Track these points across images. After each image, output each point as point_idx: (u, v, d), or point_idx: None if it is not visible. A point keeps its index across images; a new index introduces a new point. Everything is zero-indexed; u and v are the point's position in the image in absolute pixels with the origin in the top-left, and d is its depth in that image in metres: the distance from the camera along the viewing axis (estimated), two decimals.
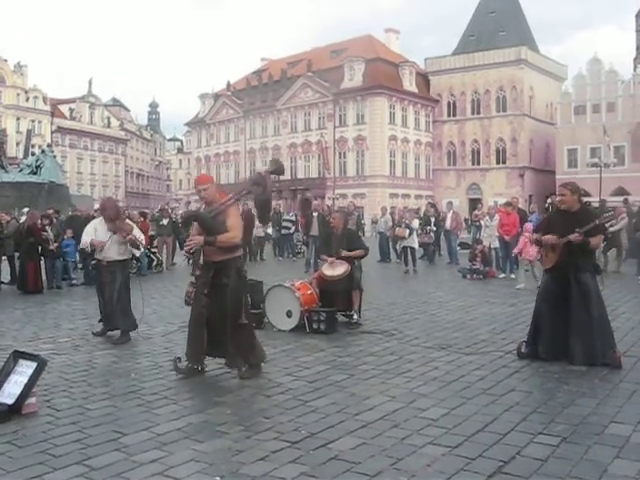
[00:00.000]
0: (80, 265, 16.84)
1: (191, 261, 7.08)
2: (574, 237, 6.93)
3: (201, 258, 6.64)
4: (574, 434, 4.78)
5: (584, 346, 6.91)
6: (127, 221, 9.24)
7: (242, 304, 6.70)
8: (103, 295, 8.99)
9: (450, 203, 25.75)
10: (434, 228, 21.31)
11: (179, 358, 6.75)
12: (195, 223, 6.79)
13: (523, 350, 7.37)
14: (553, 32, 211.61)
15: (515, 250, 15.13)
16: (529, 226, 15.55)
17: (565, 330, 7.05)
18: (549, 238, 7.20)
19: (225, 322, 6.53)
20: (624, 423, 5.02)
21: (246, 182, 7.31)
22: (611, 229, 17.14)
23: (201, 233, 6.54)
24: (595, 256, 7.93)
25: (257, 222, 24.42)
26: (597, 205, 22.41)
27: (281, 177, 55.05)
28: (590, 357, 6.87)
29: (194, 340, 6.69)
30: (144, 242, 9.26)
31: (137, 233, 8.99)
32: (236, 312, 6.58)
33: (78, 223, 16.14)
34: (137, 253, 8.99)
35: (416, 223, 19.88)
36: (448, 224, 22.04)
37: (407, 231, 18.70)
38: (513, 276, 16.35)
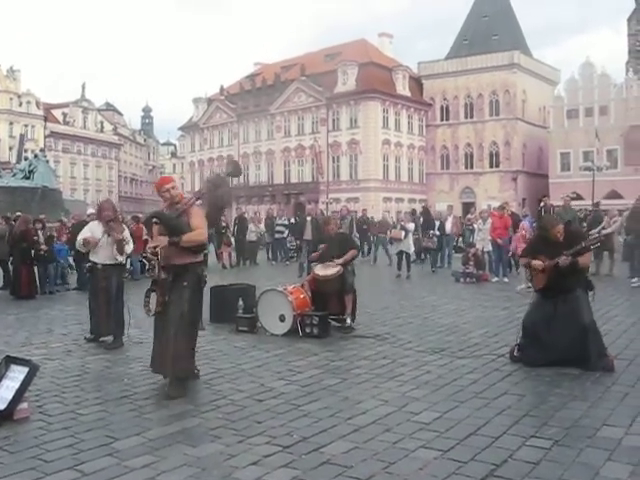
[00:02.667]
0: (72, 269, 16.85)
1: (150, 266, 6.53)
2: (562, 261, 6.99)
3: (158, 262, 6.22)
4: (566, 437, 4.80)
5: (580, 357, 6.94)
6: (122, 224, 9.22)
7: (200, 311, 6.47)
8: (97, 300, 8.95)
9: (451, 207, 25.75)
10: (437, 232, 20.26)
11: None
12: (155, 225, 6.38)
13: (515, 354, 7.40)
14: (548, 36, 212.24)
15: (511, 248, 15.23)
16: (526, 224, 15.72)
17: (557, 342, 7.04)
18: (537, 264, 7.24)
19: (176, 328, 6.15)
20: (616, 426, 5.04)
21: (205, 183, 7.00)
22: (604, 232, 17.21)
23: (162, 235, 6.22)
24: (586, 272, 7.92)
25: (250, 226, 24.54)
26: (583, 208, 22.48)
27: (275, 181, 54.74)
28: (587, 366, 6.88)
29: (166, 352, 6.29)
30: (131, 249, 9.15)
31: (127, 236, 8.95)
32: (195, 317, 6.38)
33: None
34: (119, 258, 8.84)
35: (412, 226, 19.61)
36: (449, 228, 21.94)
37: (402, 233, 18.58)
38: (506, 280, 16.39)
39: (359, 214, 29.25)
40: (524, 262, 7.67)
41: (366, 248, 25.31)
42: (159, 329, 6.38)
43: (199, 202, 6.61)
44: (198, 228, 6.21)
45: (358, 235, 25.05)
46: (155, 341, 6.47)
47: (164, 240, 6.11)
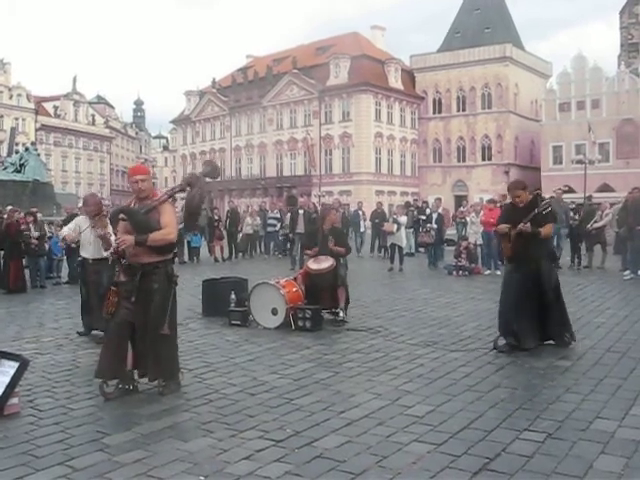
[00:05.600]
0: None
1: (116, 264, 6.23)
2: (520, 227, 7.38)
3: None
4: (559, 430, 4.79)
5: (538, 328, 7.49)
6: (107, 220, 9.16)
7: (167, 313, 5.89)
8: (87, 294, 8.96)
9: (439, 199, 25.60)
10: (435, 226, 19.49)
11: (106, 383, 5.87)
12: (122, 222, 6.01)
13: (500, 343, 7.51)
14: (540, 29, 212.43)
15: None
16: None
17: (525, 314, 7.44)
18: (502, 227, 7.72)
19: (152, 332, 5.83)
20: (609, 419, 5.03)
21: (180, 182, 6.71)
22: (595, 225, 17.27)
23: (129, 232, 5.84)
24: (551, 244, 8.41)
25: (247, 219, 24.47)
26: (582, 201, 22.51)
27: (267, 174, 54.56)
28: (543, 336, 7.50)
29: (117, 356, 5.85)
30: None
31: (111, 230, 8.90)
32: (159, 321, 5.83)
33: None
34: (105, 253, 8.79)
35: (404, 219, 19.48)
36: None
37: (395, 226, 18.52)
38: (498, 272, 16.38)
39: (373, 207, 28.51)
40: (495, 229, 8.36)
41: (376, 243, 25.02)
42: (113, 332, 5.97)
43: (170, 199, 6.21)
44: (167, 227, 5.86)
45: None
46: (107, 345, 6.01)
47: (130, 239, 5.74)
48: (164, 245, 5.94)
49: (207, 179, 6.50)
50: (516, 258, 7.58)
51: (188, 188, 6.17)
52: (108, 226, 8.86)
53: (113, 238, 8.77)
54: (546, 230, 7.53)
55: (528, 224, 7.34)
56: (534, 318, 7.48)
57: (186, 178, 6.45)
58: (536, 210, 7.43)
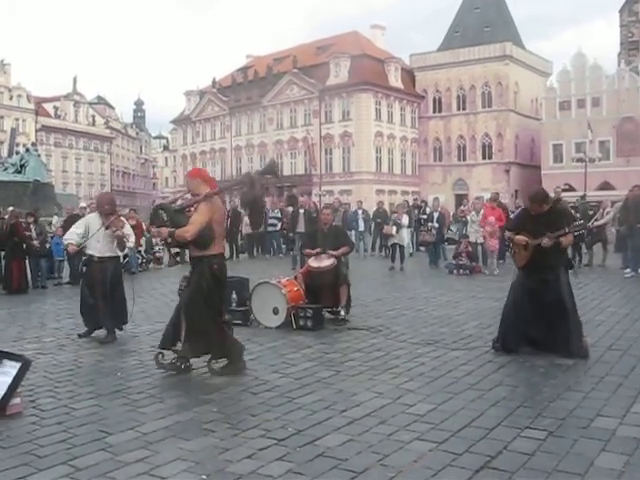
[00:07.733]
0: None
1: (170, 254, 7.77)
2: (545, 242, 7.02)
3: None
4: (560, 428, 4.79)
5: (561, 341, 7.05)
6: (121, 218, 9.18)
7: (221, 301, 6.83)
8: (92, 292, 8.77)
9: (437, 199, 25.53)
10: (436, 225, 19.39)
11: (162, 354, 6.81)
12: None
13: (498, 343, 7.45)
14: (542, 28, 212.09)
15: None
16: (492, 219, 15.98)
17: (539, 324, 7.17)
18: (520, 239, 7.29)
19: (181, 316, 6.61)
20: (610, 416, 5.04)
21: (232, 180, 7.26)
22: (596, 223, 17.27)
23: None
24: (567, 252, 7.99)
25: (245, 219, 24.38)
26: (577, 199, 22.51)
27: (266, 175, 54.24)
28: (567, 350, 6.98)
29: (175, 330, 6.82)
30: (133, 241, 9.15)
31: (128, 231, 8.90)
32: (217, 309, 6.66)
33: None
34: (119, 253, 8.82)
35: (406, 220, 19.37)
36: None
37: (394, 228, 18.50)
38: (496, 272, 16.38)
39: (374, 207, 28.03)
40: (508, 235, 7.72)
41: (378, 243, 24.84)
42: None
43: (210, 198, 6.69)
44: (190, 224, 6.36)
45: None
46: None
47: (164, 232, 6.48)
48: (190, 241, 6.47)
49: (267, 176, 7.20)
50: (531, 267, 7.25)
51: (240, 186, 6.98)
52: (125, 226, 8.87)
53: (132, 239, 9.00)
54: (567, 241, 7.26)
55: (552, 239, 6.97)
56: (541, 329, 7.20)
57: (240, 177, 7.08)
58: (567, 229, 7.12)
